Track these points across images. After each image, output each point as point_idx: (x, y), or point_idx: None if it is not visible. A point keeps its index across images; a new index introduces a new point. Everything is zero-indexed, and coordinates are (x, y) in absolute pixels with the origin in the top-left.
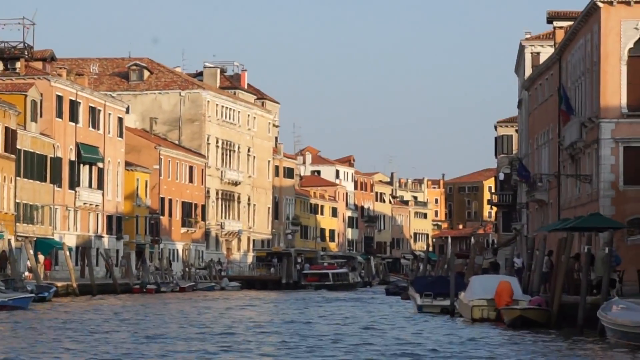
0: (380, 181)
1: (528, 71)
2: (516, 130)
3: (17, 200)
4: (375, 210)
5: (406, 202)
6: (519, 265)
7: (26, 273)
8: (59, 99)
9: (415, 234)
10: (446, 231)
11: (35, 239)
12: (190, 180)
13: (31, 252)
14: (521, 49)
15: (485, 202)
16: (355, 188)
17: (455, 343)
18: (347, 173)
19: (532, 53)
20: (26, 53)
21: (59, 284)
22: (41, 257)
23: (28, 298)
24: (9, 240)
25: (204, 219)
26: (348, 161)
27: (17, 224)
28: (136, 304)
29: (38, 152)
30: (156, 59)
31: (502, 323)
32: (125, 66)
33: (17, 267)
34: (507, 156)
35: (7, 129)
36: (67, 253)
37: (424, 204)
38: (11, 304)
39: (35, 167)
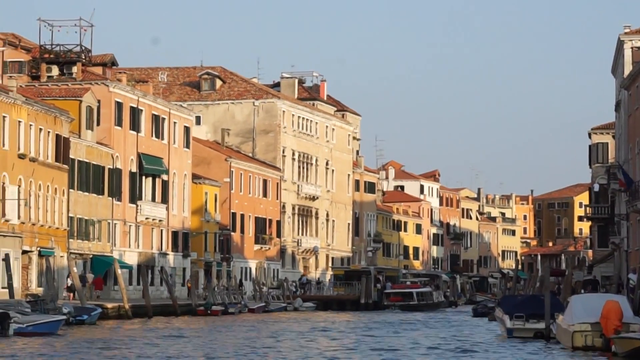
0: (467, 197)
1: (627, 68)
2: (613, 136)
3: (71, 215)
4: (461, 227)
5: (494, 219)
6: (634, 282)
7: (64, 293)
8: (119, 105)
9: (503, 251)
10: (535, 249)
11: (91, 256)
12: (265, 195)
13: (75, 270)
14: (620, 45)
15: (575, 218)
16: (441, 204)
17: None
18: (432, 188)
19: (632, 48)
20: (83, 57)
21: (110, 305)
22: (90, 276)
23: (57, 322)
24: (48, 258)
25: (279, 235)
26: (433, 176)
27: (71, 240)
28: (190, 327)
29: (94, 163)
30: (230, 69)
31: (610, 353)
32: (197, 75)
33: (55, 286)
34: (603, 165)
35: (58, 136)
36: (119, 271)
37: (512, 221)
38: (30, 330)
39: (92, 178)
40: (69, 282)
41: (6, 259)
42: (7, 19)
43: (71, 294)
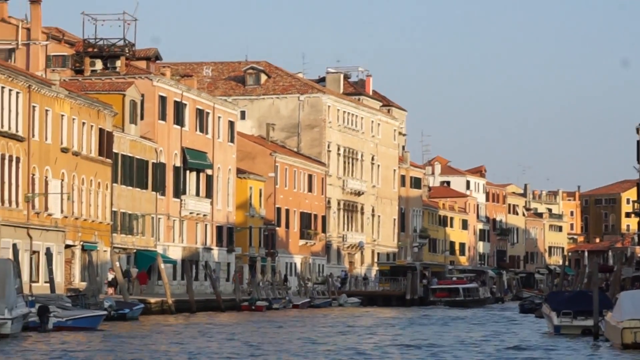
0: (513, 193)
1: None
2: None
3: (114, 209)
4: (507, 223)
5: (540, 215)
6: None
7: (105, 288)
8: (162, 99)
9: (549, 247)
10: (582, 245)
11: (134, 250)
12: (310, 190)
13: (117, 264)
14: None
15: (623, 214)
16: (487, 200)
17: None
18: (478, 184)
19: None
20: (127, 51)
21: (152, 300)
22: (134, 271)
23: (97, 317)
24: (90, 252)
25: (324, 230)
26: (479, 172)
27: (114, 234)
28: (231, 322)
29: (138, 157)
30: (275, 64)
31: None
32: (242, 70)
33: (97, 281)
34: None
35: (101, 130)
36: (162, 266)
37: (559, 217)
38: (70, 325)
39: (135, 173)
40: (110, 276)
41: (48, 253)
42: (51, 13)
43: (112, 289)
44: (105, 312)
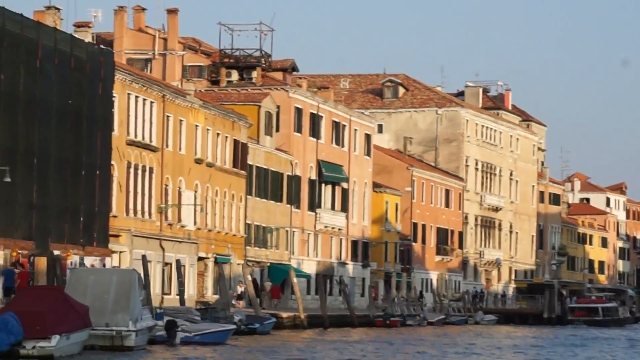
0: None
1: None
2: None
3: (248, 222)
4: None
5: None
6: None
7: (234, 301)
8: (298, 111)
9: None
10: None
11: (268, 264)
12: (447, 205)
13: (249, 277)
14: None
15: None
16: (627, 217)
17: None
18: (619, 201)
19: None
20: (263, 62)
21: (285, 314)
22: (268, 284)
23: (226, 331)
24: (221, 265)
25: (461, 246)
26: (620, 188)
27: (248, 247)
28: (365, 339)
29: (273, 169)
30: (413, 76)
31: None
32: (379, 82)
33: (227, 294)
34: None
35: (236, 142)
36: (294, 280)
37: None
38: (198, 340)
39: (270, 185)
40: (240, 289)
41: (178, 265)
42: (188, 24)
43: (241, 302)
44: (234, 327)
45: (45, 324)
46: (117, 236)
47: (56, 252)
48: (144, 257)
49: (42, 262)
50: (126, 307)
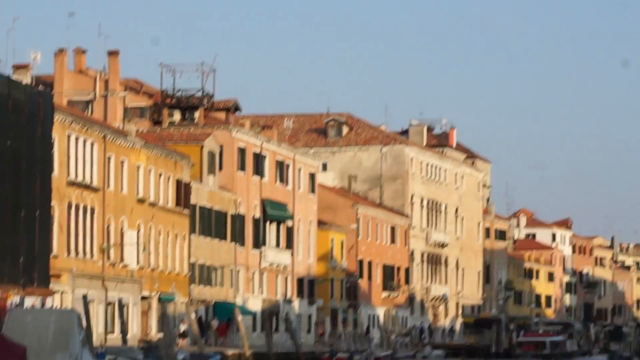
0: (600, 245)
1: None
2: None
3: (192, 260)
4: (594, 276)
5: (628, 268)
6: None
7: (177, 339)
8: (241, 151)
9: (638, 300)
10: None
11: (213, 302)
12: (392, 242)
13: (192, 315)
14: None
15: None
16: (573, 252)
17: None
18: (565, 236)
19: None
20: (205, 102)
21: (230, 351)
22: (214, 323)
23: None
24: (164, 304)
25: (407, 282)
26: (565, 224)
27: (192, 285)
28: None
29: (216, 208)
30: (357, 115)
31: None
32: (323, 122)
33: (171, 332)
34: None
35: (179, 181)
36: (240, 317)
37: None
38: None
39: (214, 224)
40: (182, 328)
41: (120, 304)
42: (129, 65)
43: (184, 340)
44: None
45: None
46: (58, 276)
47: None
48: (84, 297)
49: None
50: (65, 347)
